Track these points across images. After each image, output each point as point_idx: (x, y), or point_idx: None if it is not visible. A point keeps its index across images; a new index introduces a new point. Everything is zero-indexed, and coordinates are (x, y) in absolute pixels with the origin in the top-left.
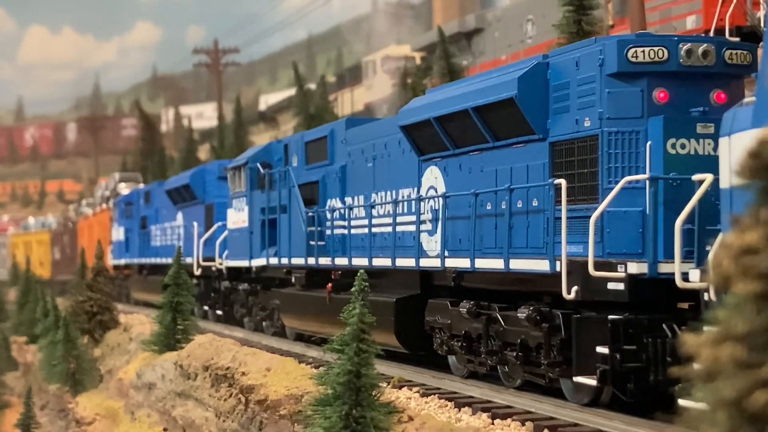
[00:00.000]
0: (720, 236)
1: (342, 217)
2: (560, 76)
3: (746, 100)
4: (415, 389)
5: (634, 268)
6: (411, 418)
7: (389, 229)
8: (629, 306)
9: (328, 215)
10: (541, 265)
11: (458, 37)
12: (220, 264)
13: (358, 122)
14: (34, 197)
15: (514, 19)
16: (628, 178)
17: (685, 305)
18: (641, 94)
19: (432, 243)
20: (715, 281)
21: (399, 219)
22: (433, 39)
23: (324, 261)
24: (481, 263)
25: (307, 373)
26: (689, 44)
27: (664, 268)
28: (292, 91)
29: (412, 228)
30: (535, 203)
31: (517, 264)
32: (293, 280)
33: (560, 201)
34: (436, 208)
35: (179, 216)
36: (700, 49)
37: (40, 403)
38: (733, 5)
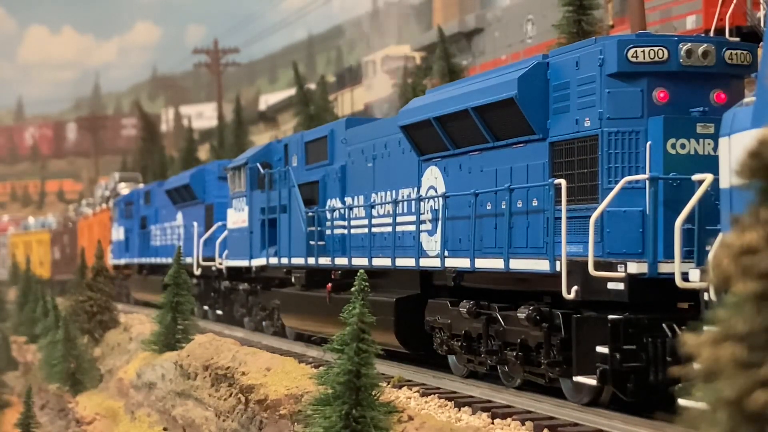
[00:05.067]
0: (720, 236)
1: (342, 217)
2: (560, 76)
3: (746, 100)
4: (415, 389)
5: (634, 267)
6: (411, 418)
7: (389, 229)
8: (629, 306)
9: (328, 215)
10: (541, 265)
11: (458, 37)
12: (220, 264)
13: (358, 122)
14: (34, 197)
15: (514, 19)
16: (628, 178)
17: (685, 305)
18: (641, 94)
19: (432, 243)
20: (715, 281)
21: (399, 219)
22: (433, 39)
23: (324, 261)
24: (481, 263)
25: (307, 372)
26: (689, 44)
27: (664, 268)
28: (292, 91)
29: (412, 228)
30: (535, 203)
31: (517, 264)
32: (293, 279)
33: (560, 201)
34: (436, 208)
35: (179, 216)
36: (700, 49)
37: (40, 403)
38: (733, 5)
